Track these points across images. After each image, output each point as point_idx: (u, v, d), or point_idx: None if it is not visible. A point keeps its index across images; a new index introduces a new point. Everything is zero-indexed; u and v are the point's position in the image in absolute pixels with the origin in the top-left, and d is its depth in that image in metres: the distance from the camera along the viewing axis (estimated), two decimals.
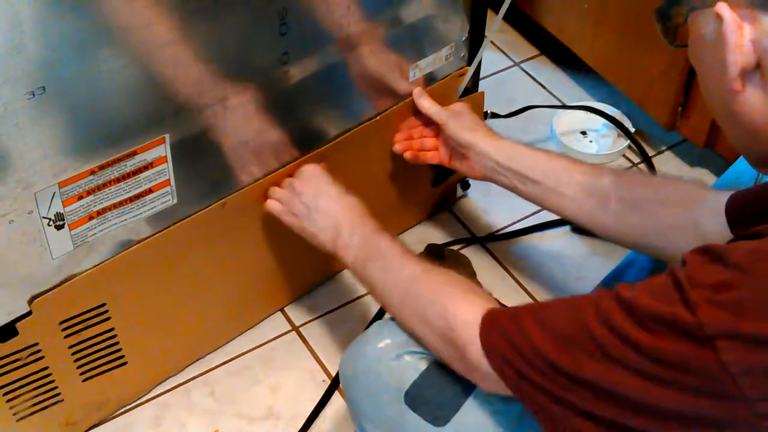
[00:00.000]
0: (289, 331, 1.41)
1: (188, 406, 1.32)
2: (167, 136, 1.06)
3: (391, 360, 1.01)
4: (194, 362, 1.36)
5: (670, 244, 1.03)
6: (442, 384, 0.96)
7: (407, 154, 1.33)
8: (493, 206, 1.58)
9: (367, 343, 1.09)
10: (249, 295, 1.37)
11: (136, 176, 1.06)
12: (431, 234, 1.55)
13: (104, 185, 1.04)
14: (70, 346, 1.16)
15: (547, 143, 1.70)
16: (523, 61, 1.88)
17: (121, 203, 1.07)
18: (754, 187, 0.98)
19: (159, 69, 1.00)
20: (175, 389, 1.34)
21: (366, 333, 1.15)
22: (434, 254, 1.42)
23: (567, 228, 1.54)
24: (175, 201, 1.13)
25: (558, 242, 1.53)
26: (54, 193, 1.00)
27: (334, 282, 1.47)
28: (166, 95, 1.03)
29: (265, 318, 1.42)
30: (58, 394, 1.20)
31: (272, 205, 1.22)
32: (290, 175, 1.23)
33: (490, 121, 1.48)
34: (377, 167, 1.39)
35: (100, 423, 1.29)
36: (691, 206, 1.02)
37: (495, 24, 1.30)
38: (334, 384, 1.32)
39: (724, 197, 0.97)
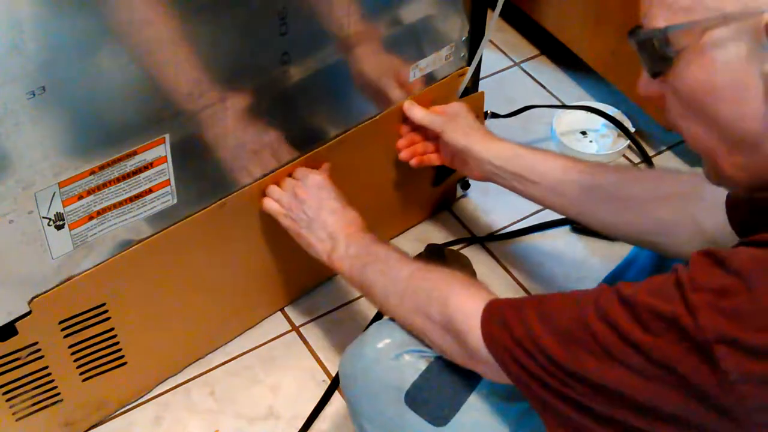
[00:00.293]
0: (289, 331, 1.41)
1: (188, 406, 1.32)
2: (167, 136, 1.06)
3: (391, 360, 1.01)
4: (194, 362, 1.36)
5: (670, 239, 1.03)
6: (442, 384, 0.96)
7: (413, 162, 1.34)
8: (493, 206, 1.58)
9: (366, 343, 1.09)
10: (249, 295, 1.37)
11: (136, 176, 1.06)
12: (431, 234, 1.55)
13: (104, 185, 1.04)
14: (70, 346, 1.16)
15: (547, 143, 1.70)
16: (523, 61, 1.88)
17: (121, 203, 1.07)
18: None
19: (159, 69, 1.00)
20: (175, 389, 1.34)
21: (365, 333, 1.15)
22: (434, 254, 1.42)
23: (567, 228, 1.54)
24: (175, 201, 1.13)
25: (558, 242, 1.53)
26: (54, 193, 1.00)
27: (334, 282, 1.47)
28: (166, 95, 1.03)
29: (265, 318, 1.42)
30: (58, 394, 1.20)
31: (270, 204, 1.22)
32: (290, 175, 1.23)
33: (490, 121, 1.49)
34: (377, 167, 1.39)
35: (100, 423, 1.29)
36: (689, 200, 1.02)
37: (491, 21, 1.30)
38: (334, 384, 1.32)
39: (722, 190, 0.97)
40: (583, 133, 1.71)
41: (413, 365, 0.99)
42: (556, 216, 1.20)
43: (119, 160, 1.03)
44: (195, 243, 1.20)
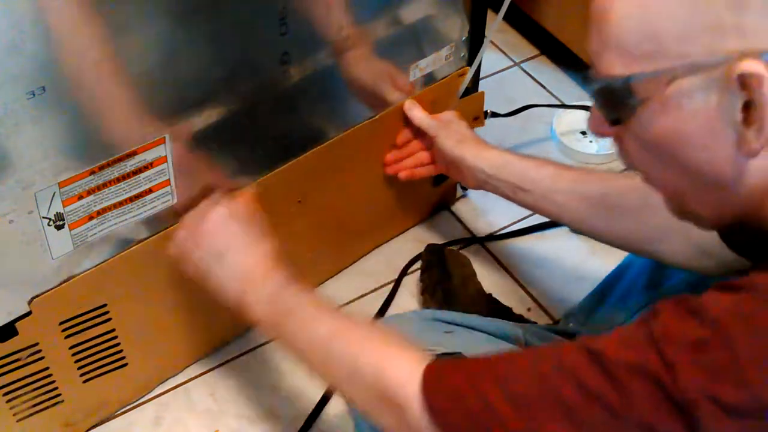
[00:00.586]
0: None
1: (188, 406, 1.32)
2: (167, 136, 1.06)
3: None
4: (194, 362, 1.36)
5: (662, 246, 1.02)
6: None
7: (401, 175, 1.35)
8: (493, 206, 1.58)
9: None
10: None
11: (136, 176, 1.06)
12: (431, 234, 1.55)
13: (104, 185, 1.04)
14: (71, 347, 1.16)
15: (547, 143, 1.70)
16: (523, 61, 1.88)
17: (121, 203, 1.07)
18: None
19: (159, 69, 1.00)
20: (175, 389, 1.34)
21: None
22: (434, 254, 1.42)
23: (567, 228, 1.54)
24: (175, 201, 1.13)
25: (558, 242, 1.53)
26: (54, 193, 1.00)
27: (334, 282, 1.47)
28: (166, 95, 1.03)
29: None
30: (59, 395, 1.20)
31: (171, 249, 1.08)
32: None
33: (490, 121, 1.48)
34: (377, 167, 1.39)
35: (101, 423, 1.29)
36: None
37: (495, 24, 1.30)
38: None
39: None
40: (583, 133, 1.71)
41: None
42: None
43: (119, 160, 1.03)
44: None
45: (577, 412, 0.67)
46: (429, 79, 1.35)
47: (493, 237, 1.55)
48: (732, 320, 0.62)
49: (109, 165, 1.03)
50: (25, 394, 1.16)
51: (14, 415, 1.17)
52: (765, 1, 0.60)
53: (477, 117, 1.45)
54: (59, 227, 1.03)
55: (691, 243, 0.97)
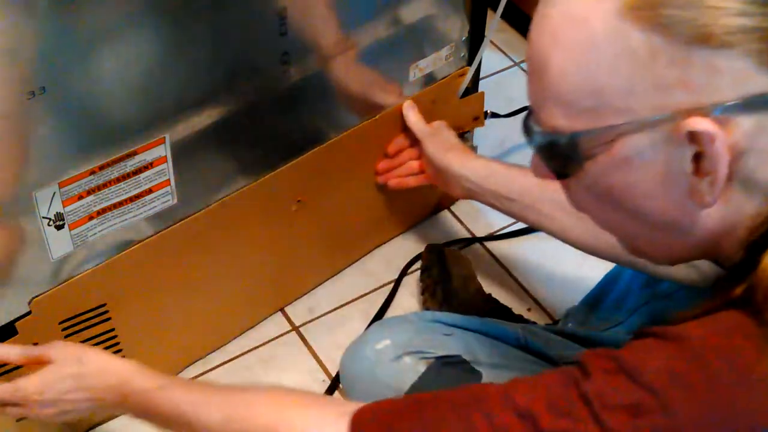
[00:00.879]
0: (289, 331, 1.41)
1: None
2: (167, 136, 1.06)
3: (391, 361, 1.01)
4: (194, 362, 1.36)
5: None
6: (441, 386, 0.95)
7: (391, 183, 1.36)
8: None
9: (366, 343, 1.09)
10: (249, 295, 1.37)
11: (136, 176, 1.06)
12: (431, 234, 1.55)
13: (104, 185, 1.04)
14: None
15: None
16: (523, 61, 1.88)
17: (121, 203, 1.07)
18: None
19: (158, 69, 1.00)
20: None
21: (366, 333, 1.15)
22: (434, 254, 1.42)
23: None
24: (175, 201, 1.13)
25: (558, 242, 1.52)
26: (54, 193, 1.00)
27: (334, 282, 1.47)
28: (166, 95, 1.03)
29: (265, 318, 1.42)
30: None
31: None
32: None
33: (490, 121, 1.48)
34: (377, 166, 1.39)
35: (101, 423, 1.29)
36: None
37: (493, 22, 1.30)
38: (335, 384, 1.32)
39: None
40: None
41: (412, 367, 0.99)
42: None
43: (119, 160, 1.03)
44: (195, 243, 1.20)
45: None
46: (429, 79, 1.35)
47: (493, 237, 1.55)
48: (667, 383, 0.61)
49: (109, 165, 1.03)
50: None
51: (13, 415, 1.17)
52: (708, 56, 0.58)
53: (477, 117, 1.45)
54: (59, 227, 1.03)
55: None
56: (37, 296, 1.08)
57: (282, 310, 1.44)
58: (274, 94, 1.15)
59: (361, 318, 1.42)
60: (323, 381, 1.35)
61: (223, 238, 1.24)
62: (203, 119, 1.09)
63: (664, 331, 0.63)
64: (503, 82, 1.82)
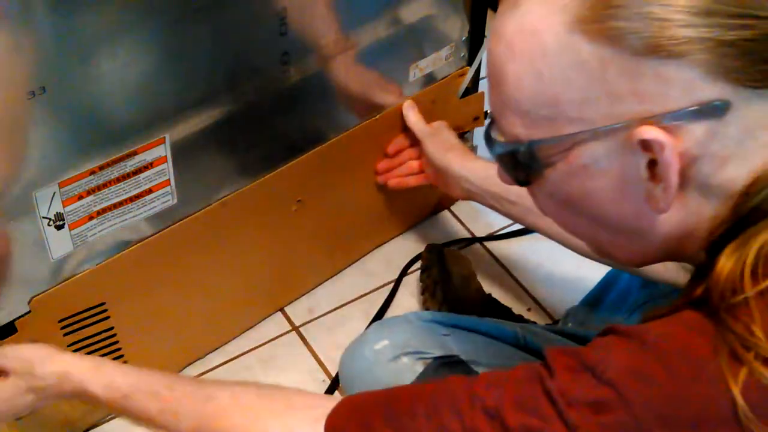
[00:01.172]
0: (289, 331, 1.41)
1: None
2: (167, 136, 1.06)
3: (389, 362, 1.01)
4: (194, 362, 1.36)
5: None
6: None
7: (391, 183, 1.36)
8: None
9: (365, 343, 1.09)
10: (249, 295, 1.37)
11: (136, 176, 1.06)
12: (431, 234, 1.55)
13: (104, 185, 1.04)
14: (70, 345, 1.16)
15: None
16: None
17: (121, 203, 1.07)
18: None
19: (159, 69, 1.00)
20: None
21: (365, 333, 1.15)
22: (434, 254, 1.42)
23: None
24: (175, 201, 1.13)
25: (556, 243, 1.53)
26: (54, 193, 1.00)
27: (334, 282, 1.47)
28: (166, 95, 1.03)
29: (265, 318, 1.42)
30: None
31: None
32: None
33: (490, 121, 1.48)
34: (377, 166, 1.39)
35: (100, 422, 1.29)
36: None
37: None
38: (334, 384, 1.32)
39: None
40: None
41: (410, 367, 0.99)
42: None
43: (119, 160, 1.03)
44: (195, 242, 1.20)
45: None
46: (429, 79, 1.35)
47: (493, 237, 1.55)
48: (628, 379, 0.62)
49: (109, 165, 1.03)
50: None
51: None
52: (656, 67, 0.59)
53: (477, 117, 1.45)
54: (59, 227, 1.03)
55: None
56: (36, 295, 1.08)
57: (282, 310, 1.44)
58: (274, 94, 1.15)
59: (361, 318, 1.42)
60: (323, 381, 1.35)
61: (222, 237, 1.24)
62: (203, 119, 1.09)
63: (625, 330, 0.65)
64: None
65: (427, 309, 1.39)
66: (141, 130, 1.03)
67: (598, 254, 0.75)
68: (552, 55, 0.62)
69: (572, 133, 0.63)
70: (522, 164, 0.68)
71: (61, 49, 0.90)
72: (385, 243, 1.53)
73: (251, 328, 1.41)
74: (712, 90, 0.60)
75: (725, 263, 0.62)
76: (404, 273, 1.48)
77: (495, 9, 1.30)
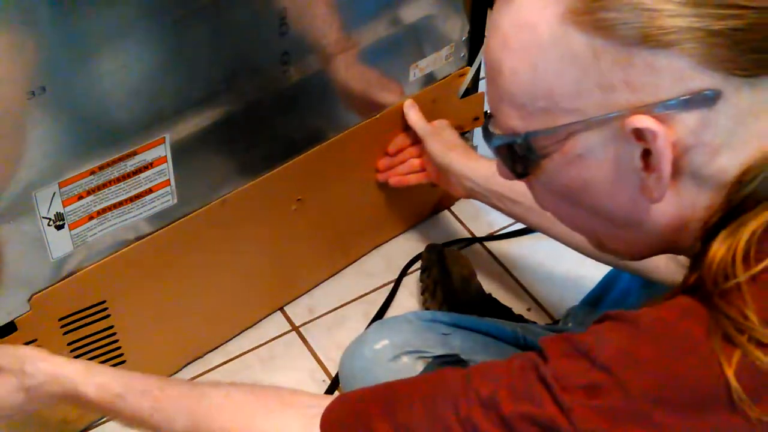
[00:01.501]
0: (289, 331, 1.41)
1: None
2: (167, 136, 1.06)
3: (389, 361, 1.01)
4: (194, 361, 1.36)
5: (647, 264, 1.01)
6: None
7: (391, 181, 1.36)
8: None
9: (365, 343, 1.09)
10: (249, 295, 1.37)
11: (136, 176, 1.06)
12: (431, 234, 1.55)
13: (104, 185, 1.04)
14: (69, 343, 1.16)
15: None
16: None
17: (121, 203, 1.08)
18: None
19: (159, 69, 1.00)
20: None
21: (365, 333, 1.15)
22: (434, 254, 1.42)
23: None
24: (175, 201, 1.13)
25: (557, 242, 1.53)
26: (54, 193, 1.00)
27: (334, 282, 1.47)
28: (166, 95, 1.03)
29: (265, 318, 1.42)
30: None
31: None
32: None
33: None
34: (377, 165, 1.39)
35: (99, 422, 1.29)
36: None
37: None
38: (334, 384, 1.32)
39: None
40: None
41: (410, 367, 0.99)
42: None
43: (119, 160, 1.03)
44: (195, 241, 1.20)
45: None
46: (429, 79, 1.35)
47: (493, 237, 1.55)
48: (622, 362, 0.62)
49: (109, 165, 1.03)
50: None
51: None
52: (647, 56, 0.60)
53: (477, 117, 1.45)
54: (59, 227, 1.03)
55: (672, 259, 0.97)
56: (36, 293, 1.08)
57: (282, 309, 1.44)
58: (274, 93, 1.15)
59: (361, 318, 1.42)
60: (323, 381, 1.35)
61: (222, 237, 1.24)
62: (203, 119, 1.09)
63: (619, 315, 0.66)
64: None
65: (427, 309, 1.39)
66: (141, 130, 1.03)
67: (598, 248, 0.76)
68: (546, 47, 0.63)
69: (567, 123, 0.64)
70: (519, 156, 0.68)
71: (61, 49, 0.90)
72: (385, 243, 1.53)
73: (251, 327, 1.41)
74: (702, 79, 0.60)
75: (717, 249, 0.62)
76: (404, 273, 1.48)
77: None
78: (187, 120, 1.07)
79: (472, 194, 1.23)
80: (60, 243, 1.05)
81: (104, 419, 1.29)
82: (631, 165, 0.64)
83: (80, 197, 1.03)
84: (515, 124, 0.67)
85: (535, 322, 1.36)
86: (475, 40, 1.36)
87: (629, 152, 0.63)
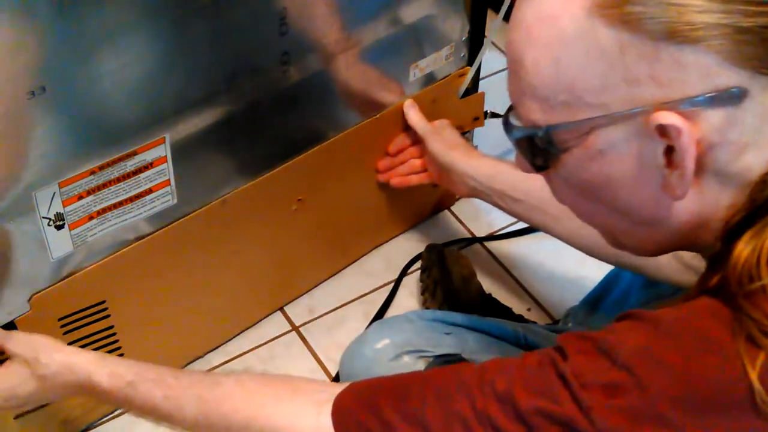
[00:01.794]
0: (289, 331, 1.41)
1: None
2: (167, 136, 1.06)
3: (390, 361, 1.01)
4: (194, 361, 1.36)
5: (650, 262, 1.02)
6: None
7: (393, 182, 1.36)
8: (493, 206, 1.58)
9: (365, 343, 1.09)
10: (249, 295, 1.37)
11: (136, 176, 1.06)
12: (431, 234, 1.55)
13: (104, 185, 1.04)
14: (70, 343, 1.15)
15: None
16: None
17: (121, 203, 1.07)
18: None
19: (159, 69, 1.00)
20: None
21: (365, 333, 1.15)
22: (434, 254, 1.42)
23: None
24: (175, 201, 1.13)
25: (558, 242, 1.52)
26: (54, 193, 1.00)
27: (334, 282, 1.47)
28: (166, 95, 1.03)
29: (265, 318, 1.42)
30: None
31: None
32: None
33: (490, 121, 1.49)
34: (377, 165, 1.39)
35: (100, 422, 1.29)
36: None
37: (496, 23, 1.30)
38: None
39: None
40: None
41: (411, 366, 0.99)
42: None
43: (119, 160, 1.03)
44: (195, 241, 1.20)
45: None
46: (429, 79, 1.35)
47: (493, 237, 1.55)
48: (642, 361, 0.62)
49: (109, 165, 1.03)
50: None
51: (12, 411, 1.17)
52: (674, 52, 0.60)
53: (477, 117, 1.45)
54: (59, 227, 1.03)
55: (675, 257, 0.97)
56: (36, 293, 1.08)
57: (282, 309, 1.44)
58: (274, 93, 1.15)
59: (361, 318, 1.42)
60: None
61: (223, 236, 1.24)
62: (203, 119, 1.09)
63: (639, 314, 0.65)
64: (503, 82, 1.81)
65: (427, 309, 1.39)
66: (141, 130, 1.03)
67: (611, 244, 0.75)
68: (570, 40, 0.62)
69: (590, 117, 0.64)
70: (539, 149, 0.67)
71: (61, 49, 0.90)
72: (385, 243, 1.53)
73: (251, 327, 1.41)
74: (729, 76, 0.60)
75: (742, 250, 0.62)
76: (404, 273, 1.48)
77: (495, 9, 1.31)
78: (187, 120, 1.07)
79: (474, 193, 1.23)
80: (60, 243, 1.05)
81: (105, 420, 1.29)
82: (654, 161, 0.63)
83: (80, 197, 1.03)
84: (537, 118, 0.66)
85: (535, 322, 1.36)
86: (475, 40, 1.36)
87: (652, 148, 0.63)
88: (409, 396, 0.71)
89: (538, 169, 0.70)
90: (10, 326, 1.07)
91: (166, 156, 1.07)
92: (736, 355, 0.59)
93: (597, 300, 1.26)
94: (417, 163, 1.35)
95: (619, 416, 0.62)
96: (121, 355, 1.23)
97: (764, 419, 0.59)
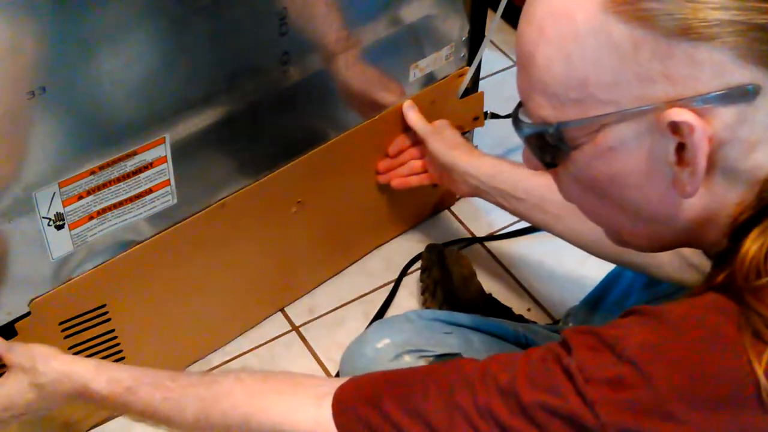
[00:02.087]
0: (289, 331, 1.41)
1: None
2: (167, 136, 1.06)
3: (390, 360, 1.01)
4: (194, 362, 1.36)
5: (652, 260, 1.01)
6: None
7: (394, 183, 1.35)
8: (493, 206, 1.56)
9: (366, 342, 1.09)
10: (249, 295, 1.37)
11: (136, 176, 1.06)
12: (431, 234, 1.55)
13: (104, 185, 1.04)
14: (70, 347, 1.16)
15: None
16: None
17: (121, 203, 1.07)
18: None
19: (159, 69, 1.00)
20: None
21: (366, 332, 1.15)
22: (434, 254, 1.42)
23: None
24: (175, 201, 1.13)
25: (558, 242, 1.52)
26: (54, 193, 1.00)
27: (334, 282, 1.47)
28: (166, 95, 1.03)
29: (265, 318, 1.42)
30: None
31: None
32: None
33: (490, 121, 1.49)
34: (377, 166, 1.39)
35: (101, 423, 1.28)
36: None
37: (493, 22, 1.30)
38: None
39: None
40: None
41: (412, 365, 0.98)
42: None
43: (119, 160, 1.03)
44: (195, 243, 1.20)
45: None
46: (429, 79, 1.35)
47: (493, 237, 1.55)
48: (648, 356, 0.62)
49: (109, 165, 1.03)
50: None
51: None
52: (688, 49, 0.59)
53: (477, 117, 1.45)
54: (59, 227, 1.03)
55: (677, 255, 0.97)
56: (36, 297, 1.08)
57: (282, 310, 1.44)
58: (274, 94, 1.15)
59: (361, 318, 1.42)
60: None
61: (223, 238, 1.23)
62: (203, 119, 1.09)
63: (645, 309, 0.65)
64: (503, 82, 1.82)
65: (427, 309, 1.39)
66: (141, 130, 1.03)
67: (615, 242, 0.75)
68: (583, 37, 0.62)
69: (601, 114, 0.63)
70: (549, 146, 0.67)
71: (61, 49, 0.90)
72: (385, 243, 1.53)
73: (251, 328, 1.41)
74: (742, 74, 0.60)
75: (750, 246, 0.61)
76: (404, 273, 1.48)
77: (495, 9, 1.31)
78: (187, 120, 1.07)
79: (476, 192, 1.23)
80: (60, 243, 1.05)
81: (105, 422, 1.28)
82: (665, 159, 0.63)
83: (80, 197, 1.03)
84: (547, 114, 0.66)
85: (535, 322, 1.36)
86: (475, 40, 1.36)
87: (663, 146, 0.62)
88: (410, 390, 0.71)
89: (547, 166, 0.70)
90: (10, 327, 1.07)
91: (166, 156, 1.07)
92: (743, 351, 0.59)
93: (597, 300, 1.26)
94: (417, 164, 1.35)
95: (624, 411, 0.62)
96: (122, 358, 1.23)
97: None
